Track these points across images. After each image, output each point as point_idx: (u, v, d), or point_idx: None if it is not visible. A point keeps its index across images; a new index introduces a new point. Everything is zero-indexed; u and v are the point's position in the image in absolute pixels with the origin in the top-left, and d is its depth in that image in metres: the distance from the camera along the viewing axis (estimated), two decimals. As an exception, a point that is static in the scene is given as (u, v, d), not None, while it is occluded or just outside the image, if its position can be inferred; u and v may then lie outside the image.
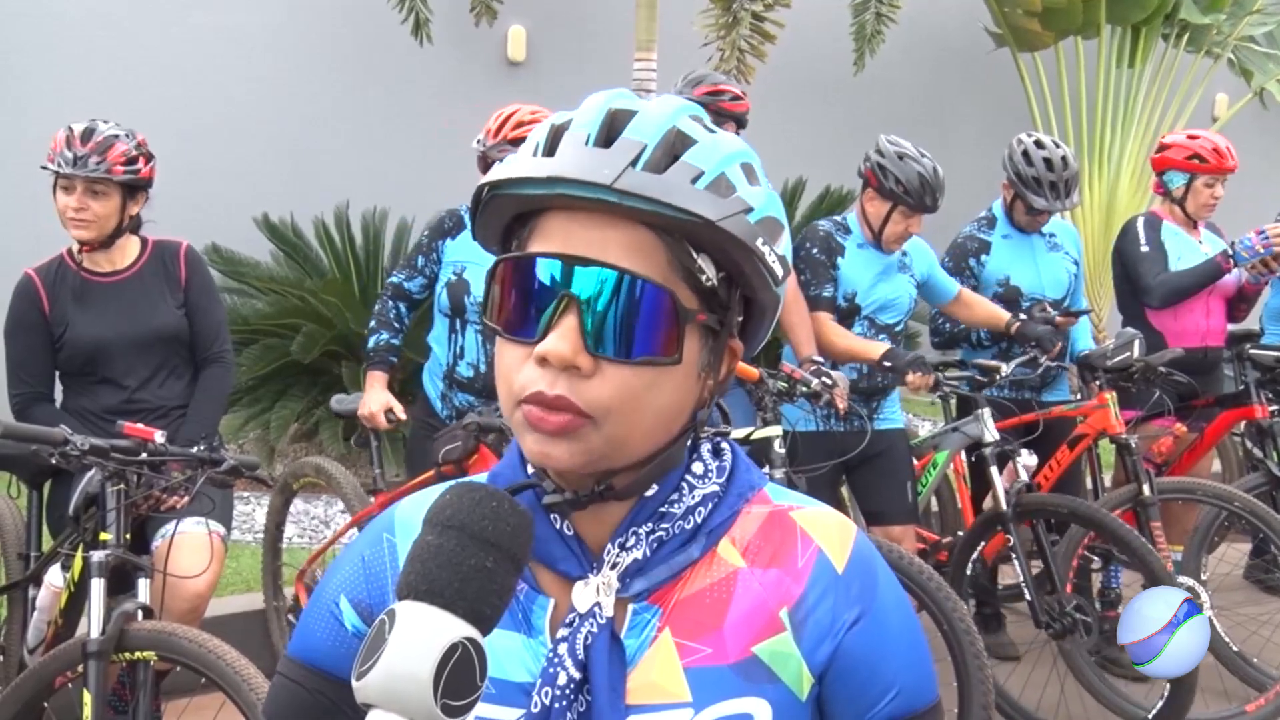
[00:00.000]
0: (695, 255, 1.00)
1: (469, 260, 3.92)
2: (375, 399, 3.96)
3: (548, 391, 0.98)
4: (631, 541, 1.07)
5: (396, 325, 4.08)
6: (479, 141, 3.91)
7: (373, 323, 4.09)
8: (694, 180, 0.99)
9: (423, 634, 0.83)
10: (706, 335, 1.04)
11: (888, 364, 4.09)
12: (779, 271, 1.04)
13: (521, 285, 1.01)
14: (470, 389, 3.97)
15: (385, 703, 0.83)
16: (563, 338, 0.97)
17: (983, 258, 4.79)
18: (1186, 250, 4.98)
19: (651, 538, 1.07)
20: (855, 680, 1.07)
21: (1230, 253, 4.81)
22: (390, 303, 4.09)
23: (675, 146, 1.00)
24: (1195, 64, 10.19)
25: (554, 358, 0.97)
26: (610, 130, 1.01)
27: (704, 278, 1.01)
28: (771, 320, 1.11)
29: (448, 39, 8.34)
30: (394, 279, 4.10)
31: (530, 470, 1.09)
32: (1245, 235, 4.84)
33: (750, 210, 1.01)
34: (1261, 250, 4.79)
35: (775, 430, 3.86)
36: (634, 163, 0.98)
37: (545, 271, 1.00)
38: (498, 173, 1.03)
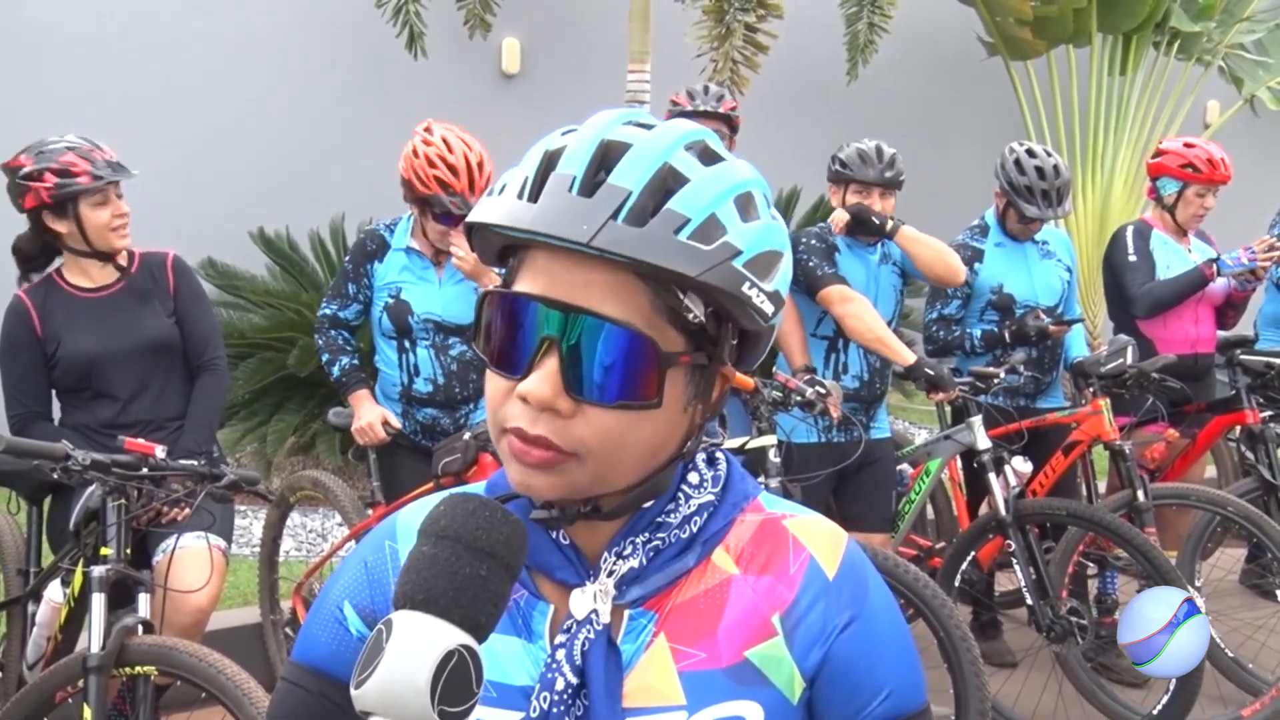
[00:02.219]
0: (681, 296, 1.01)
1: (402, 281, 3.94)
2: (369, 412, 3.97)
3: (529, 430, 1.00)
4: (628, 550, 1.09)
5: (349, 349, 4.10)
6: (453, 204, 3.74)
7: (325, 356, 4.09)
8: (678, 230, 0.98)
9: (419, 642, 0.85)
10: (693, 372, 1.05)
11: (929, 372, 4.12)
12: (768, 309, 1.04)
13: (506, 321, 1.03)
14: (431, 403, 3.99)
15: (383, 710, 0.84)
16: (543, 380, 0.99)
17: (976, 266, 4.80)
18: (1175, 258, 5.01)
19: (648, 547, 1.09)
20: (846, 684, 1.09)
21: (1215, 260, 4.85)
22: (332, 332, 4.09)
23: (666, 184, 1.00)
24: (1186, 71, 10.22)
25: (534, 399, 0.99)
26: (600, 167, 1.01)
27: (691, 316, 1.02)
28: (766, 345, 1.12)
29: (442, 52, 8.36)
30: (327, 310, 4.08)
31: None
32: (1234, 250, 4.89)
33: (738, 254, 1.00)
34: (1247, 263, 4.83)
35: (770, 440, 3.88)
36: (616, 213, 0.97)
37: (529, 311, 1.01)
38: (479, 214, 1.04)
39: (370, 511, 4.18)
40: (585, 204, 0.99)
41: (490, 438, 3.35)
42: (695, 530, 1.10)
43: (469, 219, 1.06)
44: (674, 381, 1.03)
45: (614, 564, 1.08)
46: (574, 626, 1.07)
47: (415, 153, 3.79)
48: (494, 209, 1.03)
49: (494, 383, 1.04)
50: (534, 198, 1.01)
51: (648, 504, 1.09)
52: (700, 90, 5.36)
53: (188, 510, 3.24)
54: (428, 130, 3.84)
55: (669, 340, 1.01)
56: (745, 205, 1.04)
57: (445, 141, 3.78)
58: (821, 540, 1.13)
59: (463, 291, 3.94)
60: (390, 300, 3.94)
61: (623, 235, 0.97)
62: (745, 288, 1.01)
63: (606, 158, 1.01)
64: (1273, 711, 4.20)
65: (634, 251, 0.97)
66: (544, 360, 0.99)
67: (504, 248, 1.08)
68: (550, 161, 1.03)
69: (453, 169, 3.74)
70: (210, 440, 3.76)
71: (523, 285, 1.03)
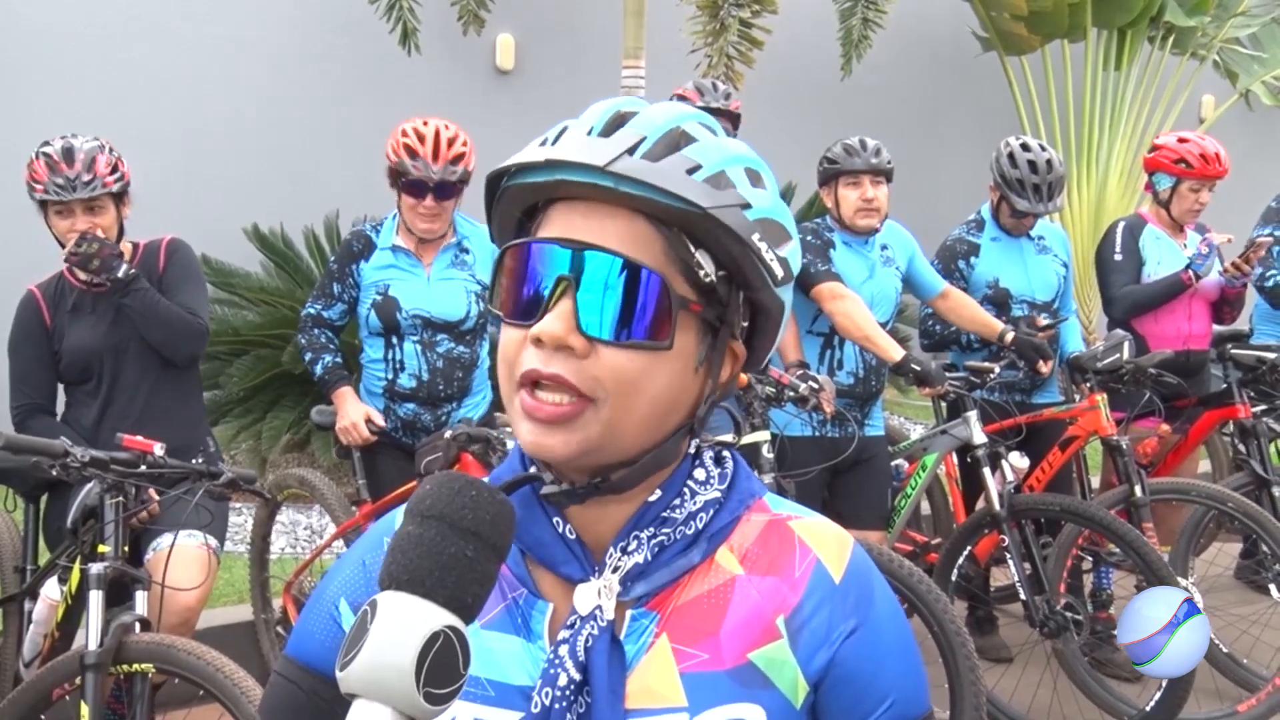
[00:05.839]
0: (693, 250, 1.03)
1: (390, 278, 3.97)
2: (353, 410, 3.99)
3: (544, 369, 1.00)
4: (633, 545, 1.08)
5: (332, 347, 4.11)
6: (415, 167, 3.83)
7: (308, 355, 4.10)
8: (690, 171, 1.01)
9: (404, 623, 0.84)
10: (704, 330, 1.06)
11: (916, 367, 4.13)
12: (778, 271, 1.06)
13: (523, 271, 1.04)
14: (414, 399, 4.00)
15: (368, 692, 0.84)
16: (557, 318, 1.00)
17: (972, 260, 4.81)
18: (1167, 254, 5.01)
19: (653, 542, 1.08)
20: (850, 690, 1.08)
21: (1189, 264, 4.86)
22: (315, 331, 4.11)
23: (678, 142, 1.03)
24: (1181, 66, 10.24)
25: (547, 337, 1.00)
26: (615, 125, 1.04)
27: (702, 273, 1.03)
28: (778, 326, 1.12)
29: (436, 48, 8.35)
30: (311, 310, 4.12)
31: (532, 468, 1.11)
32: (1199, 249, 4.90)
33: (748, 206, 1.03)
34: (1206, 251, 4.84)
35: (763, 435, 3.88)
36: (631, 150, 1.00)
37: (544, 257, 1.02)
38: (508, 161, 1.06)
39: (356, 510, 4.17)
40: (603, 141, 1.02)
41: (469, 438, 3.35)
42: (700, 526, 1.10)
43: (502, 165, 1.07)
44: (685, 332, 1.04)
45: (619, 559, 1.08)
46: (577, 622, 1.06)
47: (401, 132, 3.91)
48: (519, 155, 1.05)
49: (509, 335, 1.04)
50: (554, 143, 1.04)
51: (653, 498, 1.09)
52: (710, 86, 5.37)
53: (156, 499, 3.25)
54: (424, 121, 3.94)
55: (681, 288, 1.03)
56: (755, 176, 1.07)
57: (424, 121, 3.90)
58: (828, 543, 1.12)
59: (452, 287, 3.97)
60: (378, 297, 3.96)
61: (638, 166, 1.00)
62: (755, 237, 1.03)
63: (620, 120, 1.05)
64: (1269, 707, 4.21)
65: (650, 177, 0.99)
66: (559, 302, 1.01)
67: (518, 227, 1.09)
68: (566, 126, 1.06)
69: (420, 138, 3.86)
70: (153, 297, 3.64)
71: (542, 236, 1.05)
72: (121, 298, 3.57)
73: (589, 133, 1.03)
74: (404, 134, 3.88)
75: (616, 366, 1.01)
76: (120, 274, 3.53)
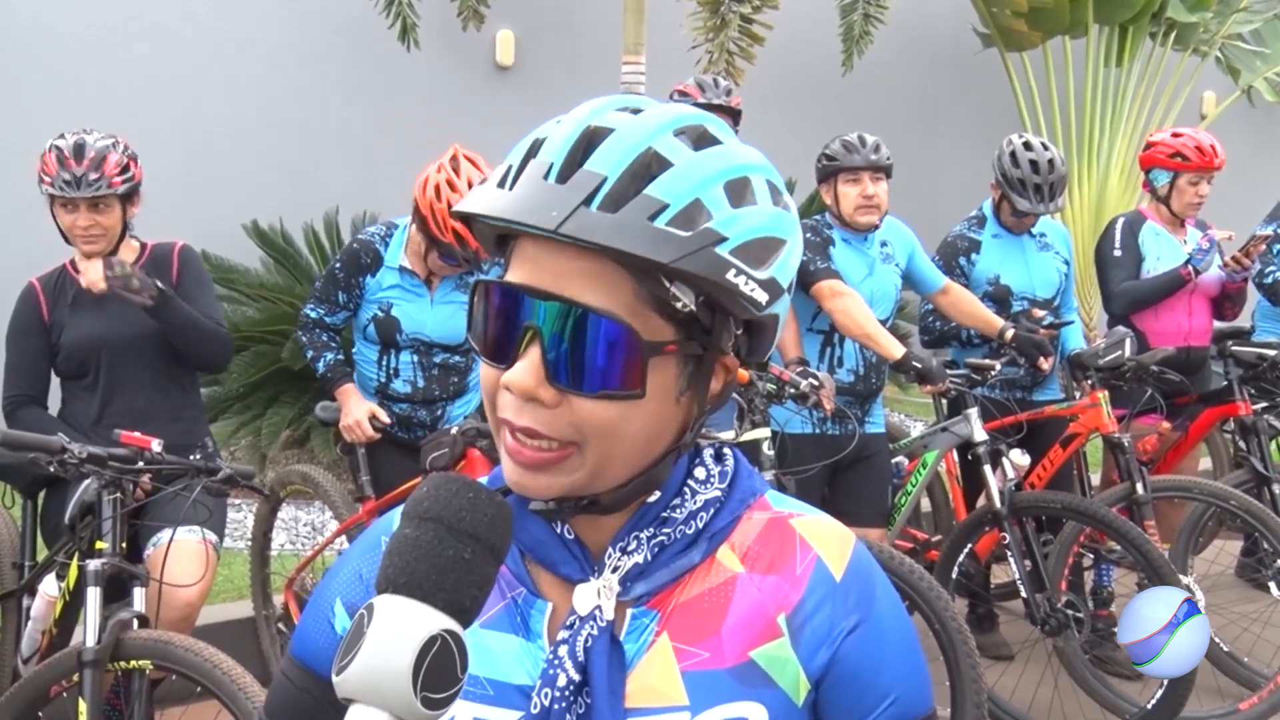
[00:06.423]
0: (668, 284, 0.97)
1: (394, 297, 3.93)
2: (357, 408, 3.97)
3: (515, 421, 0.99)
4: (633, 546, 1.07)
5: (334, 345, 4.09)
6: (465, 258, 3.70)
7: (309, 352, 4.09)
8: (654, 215, 0.95)
9: (401, 627, 0.83)
10: (686, 361, 1.02)
11: (917, 364, 4.11)
12: (760, 298, 1.00)
13: (493, 312, 1.01)
14: (408, 400, 4.01)
15: (365, 697, 0.83)
16: (525, 370, 0.97)
17: (973, 257, 4.80)
18: (1167, 250, 5.00)
19: (653, 542, 1.07)
20: (852, 688, 1.07)
21: (1189, 259, 4.85)
22: (316, 331, 4.08)
23: (649, 170, 0.97)
24: (1183, 62, 10.22)
25: (516, 389, 0.98)
26: (583, 153, 0.98)
27: (679, 304, 0.98)
28: (772, 335, 1.08)
29: (436, 44, 8.34)
30: (312, 313, 4.06)
31: None
32: (1199, 244, 4.88)
33: (721, 241, 0.97)
34: (1206, 247, 4.82)
35: (764, 432, 3.88)
36: (589, 200, 0.95)
37: (511, 301, 0.99)
38: (463, 205, 1.03)
39: (360, 506, 4.17)
40: (558, 190, 0.96)
41: (478, 433, 3.33)
42: (701, 526, 1.09)
43: (458, 208, 1.04)
44: (662, 371, 1.00)
45: (618, 559, 1.07)
46: (577, 623, 1.05)
47: (438, 193, 3.63)
48: (476, 198, 1.02)
49: (487, 373, 1.03)
50: (512, 186, 0.99)
51: (652, 499, 1.08)
52: (710, 82, 5.36)
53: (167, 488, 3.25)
54: (454, 163, 3.70)
55: (653, 329, 0.98)
56: (738, 190, 1.00)
57: (470, 187, 3.61)
58: (829, 541, 1.11)
59: (454, 311, 3.94)
60: (380, 314, 3.94)
61: (594, 221, 0.94)
62: (731, 275, 0.97)
63: (588, 145, 0.98)
64: (1270, 705, 4.20)
65: (604, 239, 0.93)
66: (528, 350, 0.98)
67: (500, 237, 1.06)
68: (534, 149, 1.01)
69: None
70: (188, 309, 3.67)
71: (512, 274, 1.01)
72: (160, 307, 3.55)
73: (547, 174, 0.97)
74: (453, 209, 3.62)
75: (590, 415, 0.98)
76: (160, 285, 3.52)
